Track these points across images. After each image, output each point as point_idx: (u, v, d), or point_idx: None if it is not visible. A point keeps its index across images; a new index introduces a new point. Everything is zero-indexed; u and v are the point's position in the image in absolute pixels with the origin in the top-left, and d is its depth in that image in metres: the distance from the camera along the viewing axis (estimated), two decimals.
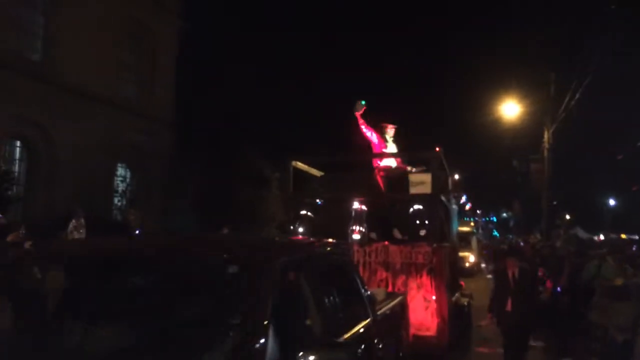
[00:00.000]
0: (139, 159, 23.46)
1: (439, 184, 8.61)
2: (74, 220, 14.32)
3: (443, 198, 9.36)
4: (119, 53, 22.93)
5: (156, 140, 23.41)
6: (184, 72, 25.36)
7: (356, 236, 8.65)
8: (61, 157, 20.27)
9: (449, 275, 9.35)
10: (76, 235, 14.17)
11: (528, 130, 27.55)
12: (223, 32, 29.87)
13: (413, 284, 8.25)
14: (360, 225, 8.69)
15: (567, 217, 37.06)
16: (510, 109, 26.51)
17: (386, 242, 8.45)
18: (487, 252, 27.27)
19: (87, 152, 20.42)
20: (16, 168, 19.87)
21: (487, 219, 60.63)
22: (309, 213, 9.06)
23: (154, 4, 24.10)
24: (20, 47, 19.61)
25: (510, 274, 8.15)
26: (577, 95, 22.90)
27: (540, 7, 24.68)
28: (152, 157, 23.21)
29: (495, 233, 54.78)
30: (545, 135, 25.57)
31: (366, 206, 9.17)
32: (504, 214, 59.64)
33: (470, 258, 26.03)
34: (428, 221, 8.69)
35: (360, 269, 8.23)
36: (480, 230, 29.60)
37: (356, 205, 8.76)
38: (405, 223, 8.87)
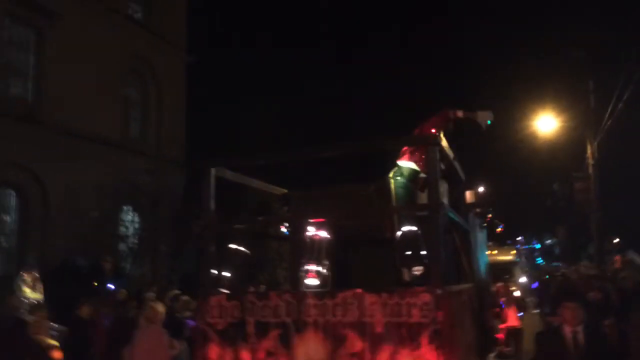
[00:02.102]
0: (146, 201, 20.34)
1: (436, 191, 4.77)
2: (24, 275, 11.09)
3: (454, 215, 5.57)
4: (121, 90, 20.15)
5: (165, 180, 20.29)
6: (195, 107, 22.41)
7: (312, 281, 5.01)
8: (56, 203, 17.49)
9: (474, 333, 5.60)
10: (29, 294, 10.92)
11: (569, 149, 23.50)
12: (232, 62, 26.88)
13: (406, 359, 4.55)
14: (318, 263, 5.06)
15: (616, 240, 32.30)
16: (547, 125, 22.50)
17: (359, 290, 4.72)
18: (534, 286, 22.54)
19: (86, 196, 17.64)
20: (8, 217, 17.32)
21: (530, 246, 55.39)
22: (240, 247, 5.47)
23: (157, 38, 21.35)
24: (9, 89, 17.24)
25: (568, 333, 4.41)
26: (621, 103, 18.92)
27: (572, 13, 21.11)
28: (161, 199, 20.08)
29: (540, 260, 49.49)
30: (589, 150, 21.46)
31: (335, 232, 5.57)
32: (548, 241, 54.25)
33: (514, 293, 21.58)
34: (429, 251, 4.96)
35: (319, 335, 4.62)
36: (523, 259, 25.24)
37: (314, 231, 5.14)
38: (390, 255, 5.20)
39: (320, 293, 4.83)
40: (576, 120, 21.65)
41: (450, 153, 5.45)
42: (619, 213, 31.70)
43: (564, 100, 21.86)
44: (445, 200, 6.16)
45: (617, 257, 23.41)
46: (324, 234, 5.13)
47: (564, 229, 35.85)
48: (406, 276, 5.35)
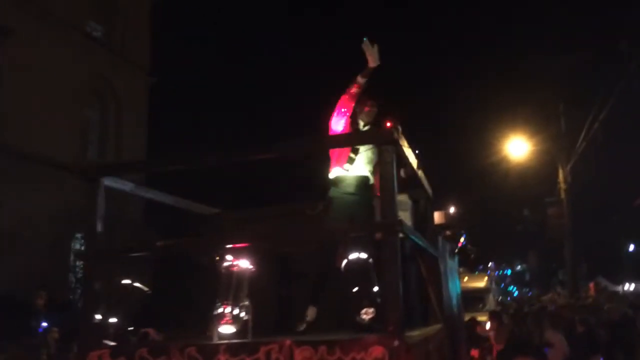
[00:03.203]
0: (103, 227, 18.63)
1: (390, 207, 3.36)
2: None
3: (418, 238, 4.18)
4: (79, 111, 18.63)
5: (124, 206, 18.64)
6: (156, 130, 20.92)
7: (226, 328, 3.58)
8: (3, 230, 15.79)
9: None
10: None
11: (540, 173, 22.43)
12: (196, 83, 25.54)
13: None
14: (236, 304, 3.63)
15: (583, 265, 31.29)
16: (518, 149, 21.40)
17: (288, 342, 3.29)
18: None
19: (37, 223, 16.03)
20: None
21: (501, 272, 54.13)
22: (136, 284, 4.03)
23: (119, 58, 19.97)
24: None
25: None
26: (596, 124, 18.00)
27: (543, 35, 20.35)
28: (121, 226, 18.39)
29: (512, 288, 48.17)
30: (560, 174, 20.39)
31: (274, 262, 4.17)
32: (518, 267, 53.10)
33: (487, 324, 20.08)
34: (384, 286, 3.55)
35: None
36: (494, 285, 23.96)
37: (232, 261, 3.72)
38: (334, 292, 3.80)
39: (236, 345, 3.40)
40: (547, 144, 20.62)
41: (413, 158, 4.09)
42: (589, 238, 30.75)
43: (535, 124, 20.87)
44: (407, 220, 4.80)
45: (591, 285, 22.34)
46: (245, 264, 3.74)
47: (535, 255, 34.80)
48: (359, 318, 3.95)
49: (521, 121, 21.16)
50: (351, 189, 4.57)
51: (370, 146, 4.58)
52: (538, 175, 22.80)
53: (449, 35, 49.77)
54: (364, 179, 4.62)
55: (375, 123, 4.78)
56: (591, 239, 30.90)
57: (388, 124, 3.71)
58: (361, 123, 4.83)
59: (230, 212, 5.35)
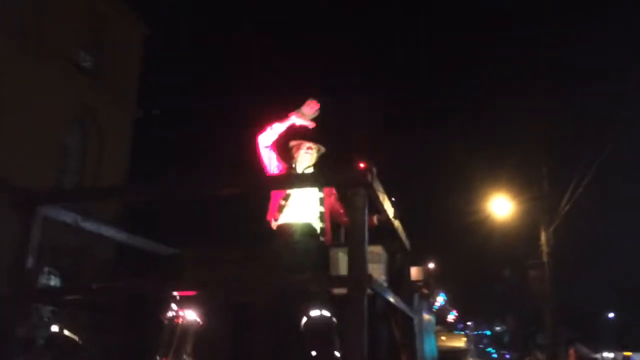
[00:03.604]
0: (74, 264, 17.88)
1: (359, 259, 2.93)
2: None
3: (390, 297, 3.74)
4: (59, 139, 18.10)
5: (96, 245, 17.92)
6: (140, 163, 20.40)
7: None
8: None
9: None
10: None
11: (522, 233, 22.07)
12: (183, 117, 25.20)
13: None
14: None
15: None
16: (501, 209, 21.11)
17: None
18: None
19: (2, 255, 15.26)
20: None
21: (480, 332, 53.08)
22: (65, 332, 3.52)
23: (106, 89, 19.61)
24: None
25: None
26: (580, 188, 17.82)
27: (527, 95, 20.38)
28: (87, 261, 17.66)
29: (490, 349, 47.10)
30: (543, 237, 20.06)
31: (233, 312, 3.68)
32: (497, 328, 52.15)
33: None
34: (347, 349, 3.06)
35: None
36: (472, 346, 23.24)
37: (174, 313, 3.23)
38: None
39: None
40: (530, 205, 20.37)
41: (389, 206, 3.68)
42: (570, 303, 30.26)
43: (519, 184, 20.66)
44: (381, 274, 4.35)
45: (571, 351, 21.76)
46: (192, 316, 3.25)
47: (514, 317, 34.13)
48: None
49: (504, 181, 20.95)
50: (294, 238, 4.15)
51: (309, 189, 4.24)
52: (520, 236, 22.47)
53: (433, 90, 50.21)
54: (305, 227, 4.20)
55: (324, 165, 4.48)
56: (572, 303, 30.46)
57: (361, 165, 3.31)
58: (298, 165, 4.49)
59: (189, 251, 4.88)
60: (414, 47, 50.48)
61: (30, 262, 3.32)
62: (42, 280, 17.26)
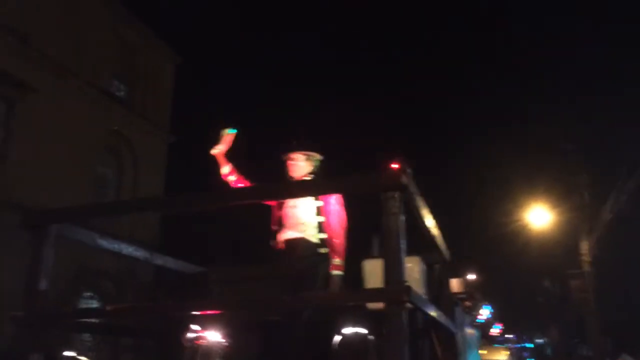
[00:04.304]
0: (116, 287, 17.86)
1: (395, 270, 2.58)
2: None
3: (431, 310, 3.35)
4: (94, 169, 18.23)
5: (133, 266, 17.87)
6: (174, 189, 20.35)
7: None
8: (9, 290, 14.99)
9: None
10: None
11: (562, 243, 21.24)
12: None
13: None
14: None
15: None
16: (539, 219, 20.38)
17: None
18: None
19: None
20: None
21: (521, 345, 51.37)
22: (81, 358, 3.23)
23: (139, 117, 19.76)
24: None
25: None
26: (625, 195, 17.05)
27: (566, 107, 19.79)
28: (128, 285, 17.59)
29: None
30: (583, 246, 19.22)
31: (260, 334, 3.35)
32: (539, 340, 50.42)
33: None
34: None
35: None
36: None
37: (195, 334, 2.91)
38: None
39: None
40: (570, 214, 19.59)
41: (426, 209, 3.31)
42: (613, 313, 28.98)
43: (557, 193, 19.93)
44: (419, 287, 3.96)
45: None
46: (216, 337, 2.93)
47: (556, 328, 32.88)
48: None
49: (543, 190, 20.29)
50: (294, 255, 3.84)
51: (306, 199, 3.94)
52: (560, 246, 21.66)
53: (472, 101, 49.54)
54: (301, 242, 3.87)
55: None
56: (616, 313, 29.19)
57: (394, 166, 2.97)
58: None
59: (216, 270, 4.57)
60: (453, 59, 50.12)
61: (43, 284, 3.05)
62: (82, 304, 17.25)
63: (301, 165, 4.25)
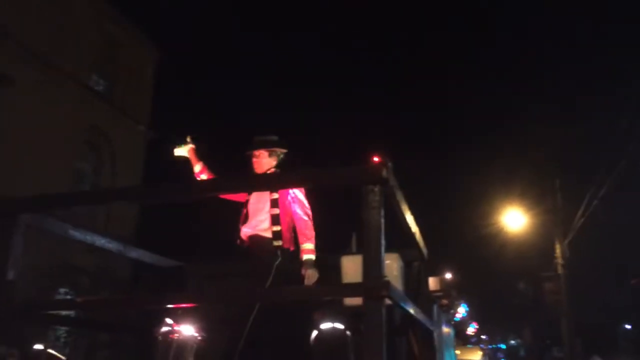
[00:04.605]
0: (92, 283, 17.53)
1: (375, 264, 2.51)
2: None
3: (409, 307, 3.29)
4: (72, 163, 17.91)
5: (110, 262, 17.58)
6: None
7: None
8: None
9: None
10: None
11: (536, 245, 21.47)
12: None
13: None
14: None
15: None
16: (514, 221, 20.55)
17: None
18: None
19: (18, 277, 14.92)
20: None
21: (495, 346, 51.80)
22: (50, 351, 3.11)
23: (119, 112, 19.47)
24: None
25: None
26: (596, 201, 17.22)
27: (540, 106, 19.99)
28: (103, 281, 17.29)
29: None
30: (557, 249, 19.42)
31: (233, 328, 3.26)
32: (513, 341, 50.91)
33: None
34: None
35: None
36: None
37: (169, 328, 2.81)
38: None
39: None
40: (544, 217, 19.79)
41: (406, 205, 3.25)
42: (585, 315, 29.34)
43: (532, 197, 20.12)
44: (398, 283, 3.91)
45: None
46: (189, 331, 2.84)
47: (530, 330, 33.19)
48: None
49: (518, 193, 20.47)
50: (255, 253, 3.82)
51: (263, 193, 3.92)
52: (534, 248, 21.89)
53: (452, 104, 49.90)
54: (257, 239, 3.84)
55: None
56: (587, 315, 29.56)
57: (375, 159, 2.89)
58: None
59: (194, 265, 4.47)
60: (427, 60, 50.39)
61: (11, 274, 2.93)
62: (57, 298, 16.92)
63: (264, 162, 4.26)
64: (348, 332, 3.05)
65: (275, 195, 3.99)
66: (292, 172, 3.55)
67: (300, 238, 3.88)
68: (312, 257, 3.74)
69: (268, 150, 4.28)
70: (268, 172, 4.20)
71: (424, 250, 4.42)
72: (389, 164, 2.72)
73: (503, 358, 46.05)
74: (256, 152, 4.29)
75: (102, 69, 19.40)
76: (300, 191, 4.04)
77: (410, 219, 3.58)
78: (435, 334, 4.58)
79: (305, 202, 4.04)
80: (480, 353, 21.44)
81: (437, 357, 4.70)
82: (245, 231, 4.01)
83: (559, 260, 19.35)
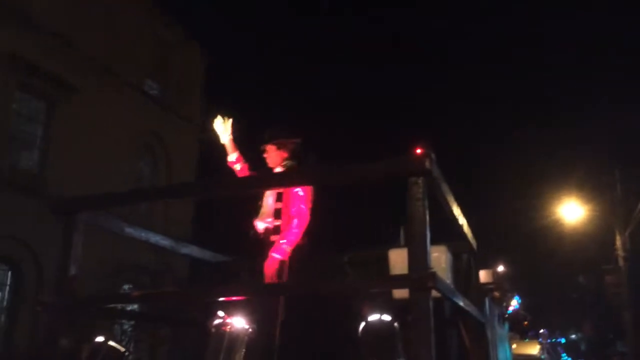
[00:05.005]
0: (147, 280, 18.09)
1: (420, 256, 2.50)
2: None
3: (459, 300, 3.25)
4: (131, 166, 18.49)
5: (170, 261, 18.08)
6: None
7: None
8: (51, 281, 15.39)
9: None
10: None
11: (596, 238, 20.73)
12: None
13: None
14: None
15: None
16: (572, 214, 19.93)
17: None
18: None
19: (84, 275, 15.55)
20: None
21: (554, 340, 50.26)
22: (110, 343, 3.24)
23: (172, 115, 20.00)
24: (15, 161, 15.72)
25: None
26: None
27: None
28: (164, 278, 17.81)
29: (565, 357, 44.36)
30: (618, 241, 18.76)
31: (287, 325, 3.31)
32: (573, 335, 49.29)
33: None
34: (414, 359, 2.60)
35: None
36: (547, 355, 21.57)
37: (223, 319, 2.88)
38: None
39: None
40: (603, 209, 19.12)
41: (452, 196, 3.21)
42: None
43: (590, 188, 19.45)
44: (446, 276, 3.87)
45: None
46: (241, 323, 2.90)
47: (591, 324, 32.13)
48: None
49: (576, 185, 19.84)
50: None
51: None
52: (593, 241, 21.15)
53: (506, 93, 48.58)
54: (266, 232, 3.90)
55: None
56: None
57: (418, 151, 2.87)
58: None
59: (242, 259, 4.54)
60: (482, 46, 49.34)
61: (72, 269, 3.07)
62: None
63: (274, 155, 4.25)
64: (396, 324, 3.05)
65: (281, 190, 3.99)
66: (337, 167, 3.57)
67: (281, 234, 3.88)
68: (277, 256, 3.68)
69: (275, 144, 4.26)
70: (282, 164, 4.19)
71: (473, 242, 4.35)
72: (432, 155, 2.69)
73: (563, 353, 44.69)
74: (264, 147, 4.29)
75: (155, 73, 19.93)
76: (306, 188, 3.97)
77: (457, 210, 3.53)
78: (487, 327, 4.50)
79: (306, 199, 3.97)
80: (538, 347, 20.67)
81: (490, 350, 4.62)
82: (257, 224, 4.03)
83: (620, 252, 18.72)
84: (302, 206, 3.90)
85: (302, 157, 4.18)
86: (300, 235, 3.80)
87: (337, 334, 3.42)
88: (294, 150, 4.26)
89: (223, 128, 4.41)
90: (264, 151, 4.30)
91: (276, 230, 3.92)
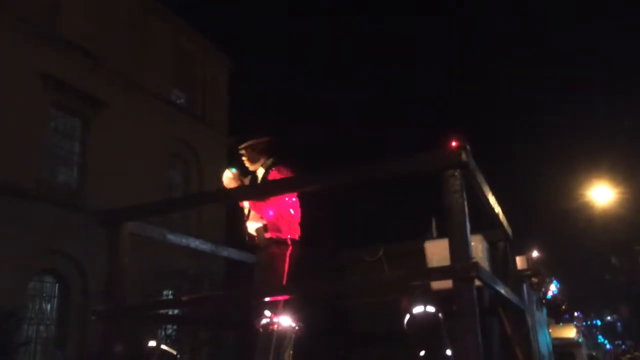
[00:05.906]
0: (187, 285, 18.28)
1: (462, 247, 2.47)
2: None
3: (500, 288, 3.21)
4: (164, 174, 18.73)
5: (207, 264, 18.26)
6: None
7: None
8: (96, 291, 15.70)
9: None
10: None
11: (628, 220, 20.25)
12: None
13: None
14: None
15: None
16: (603, 196, 19.52)
17: None
18: None
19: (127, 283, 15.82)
20: (48, 306, 15.68)
21: (589, 322, 49.33)
22: (163, 347, 3.28)
23: (199, 122, 20.18)
24: (54, 176, 16.04)
25: None
26: None
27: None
28: (202, 283, 17.97)
29: (602, 339, 43.57)
30: None
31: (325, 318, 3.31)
32: (608, 317, 48.33)
33: None
34: (458, 346, 2.59)
35: None
36: (583, 338, 21.10)
37: (269, 318, 2.90)
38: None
39: None
40: (634, 192, 18.71)
41: (487, 186, 3.17)
42: None
43: (621, 171, 19.07)
44: (484, 264, 3.82)
45: None
46: (288, 322, 2.91)
47: (627, 305, 31.44)
48: None
49: (606, 167, 19.46)
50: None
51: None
52: (624, 223, 20.70)
53: (536, 75, 47.87)
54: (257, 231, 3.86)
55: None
56: None
57: (453, 144, 2.84)
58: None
59: None
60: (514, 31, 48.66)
61: (119, 277, 3.12)
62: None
63: (251, 157, 4.30)
64: (440, 315, 3.03)
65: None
66: (374, 164, 3.54)
67: None
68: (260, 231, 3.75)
69: (247, 147, 4.31)
70: (262, 163, 4.23)
71: (508, 229, 4.30)
72: (468, 148, 2.67)
73: (599, 335, 43.84)
74: (239, 152, 4.37)
75: (180, 83, 20.14)
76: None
77: (492, 199, 3.49)
78: (527, 313, 4.44)
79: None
80: (574, 329, 20.25)
81: (531, 336, 4.56)
82: (248, 225, 4.03)
83: None
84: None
85: (278, 152, 4.23)
86: (273, 209, 3.87)
87: (386, 327, 3.42)
88: (266, 148, 4.29)
89: (230, 181, 4.34)
90: (242, 155, 4.36)
91: (266, 227, 3.92)
